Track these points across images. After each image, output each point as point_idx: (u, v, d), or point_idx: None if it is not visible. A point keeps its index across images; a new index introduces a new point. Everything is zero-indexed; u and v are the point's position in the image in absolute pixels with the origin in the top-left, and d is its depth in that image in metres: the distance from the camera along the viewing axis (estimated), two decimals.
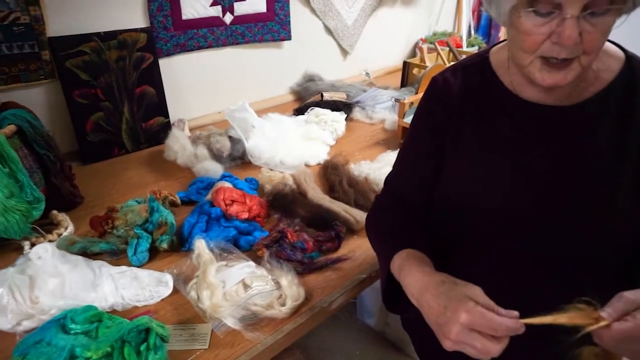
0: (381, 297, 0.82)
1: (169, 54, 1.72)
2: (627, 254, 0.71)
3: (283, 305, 0.92)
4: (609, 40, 0.73)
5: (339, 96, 2.00)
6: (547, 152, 0.71)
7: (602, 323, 0.54)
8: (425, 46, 2.47)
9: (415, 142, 0.88)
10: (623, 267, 0.72)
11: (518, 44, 0.65)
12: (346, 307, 2.28)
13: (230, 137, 1.55)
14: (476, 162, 0.77)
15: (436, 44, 2.34)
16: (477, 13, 3.10)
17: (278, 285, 0.96)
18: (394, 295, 0.78)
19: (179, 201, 1.27)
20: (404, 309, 0.82)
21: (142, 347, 0.76)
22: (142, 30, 1.57)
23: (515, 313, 0.57)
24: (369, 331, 2.16)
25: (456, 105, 0.79)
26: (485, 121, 0.77)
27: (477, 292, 0.59)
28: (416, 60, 2.35)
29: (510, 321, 0.55)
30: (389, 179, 0.94)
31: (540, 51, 0.62)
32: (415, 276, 0.69)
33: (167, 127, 1.71)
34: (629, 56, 0.71)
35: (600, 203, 0.68)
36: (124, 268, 1.03)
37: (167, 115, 1.73)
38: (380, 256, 0.85)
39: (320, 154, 1.58)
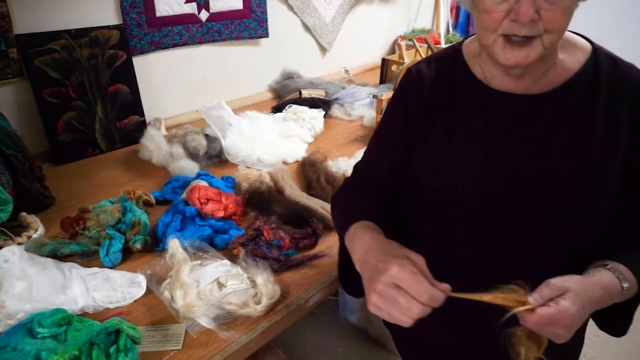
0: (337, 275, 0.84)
1: (143, 51, 1.69)
2: (597, 238, 0.73)
3: (258, 303, 0.91)
4: (579, 34, 0.75)
5: (318, 93, 1.99)
6: (516, 141, 0.72)
7: (527, 307, 0.58)
8: (403, 43, 2.48)
9: (387, 131, 0.88)
10: (593, 253, 0.73)
11: (481, 24, 0.67)
12: (329, 304, 2.28)
13: (206, 136, 1.53)
14: (447, 153, 0.78)
15: (415, 40, 2.35)
16: (456, 10, 3.13)
17: (253, 284, 0.95)
18: (350, 273, 0.79)
19: (153, 201, 1.25)
20: (359, 288, 0.83)
21: (112, 349, 0.74)
22: (114, 27, 1.54)
23: (447, 287, 0.58)
24: (351, 328, 2.17)
25: (428, 96, 0.80)
26: (457, 112, 0.78)
27: (419, 260, 0.60)
28: (395, 57, 2.36)
29: (436, 291, 0.56)
30: (358, 164, 0.94)
31: (501, 29, 0.64)
32: (365, 239, 0.70)
33: (142, 126, 1.67)
34: (595, 48, 0.73)
35: (566, 187, 0.69)
36: (95, 269, 1.00)
37: (142, 114, 1.70)
38: (339, 233, 0.84)
39: (298, 152, 1.57)
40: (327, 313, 2.26)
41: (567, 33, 0.73)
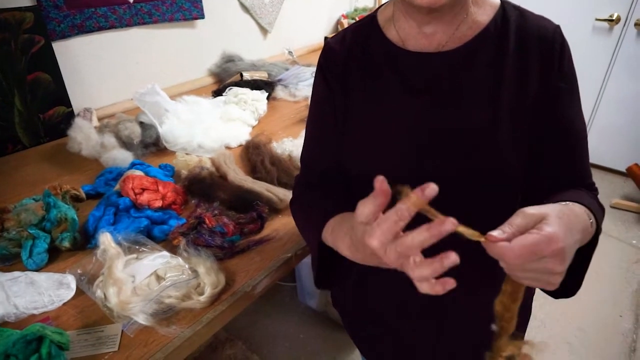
0: (313, 275, 0.78)
1: (64, 36, 1.55)
2: (519, 187, 0.73)
3: (201, 294, 0.85)
4: None
5: (260, 75, 1.92)
6: (433, 98, 0.72)
7: (482, 238, 0.48)
8: (346, 22, 2.45)
9: (315, 112, 0.86)
10: (517, 200, 0.73)
11: None
12: (287, 291, 2.25)
13: (141, 123, 1.43)
14: (365, 121, 0.77)
15: (357, 19, 2.32)
16: None
17: (195, 274, 0.89)
18: (325, 268, 0.76)
19: (83, 195, 1.15)
20: (335, 281, 0.80)
21: (33, 359, 0.66)
22: (27, 9, 1.39)
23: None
24: (311, 313, 2.15)
25: (344, 67, 0.78)
26: (373, 78, 0.77)
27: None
28: None
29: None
30: (302, 156, 0.91)
31: None
32: (344, 230, 0.63)
33: (70, 117, 1.55)
34: (503, 1, 0.74)
35: (483, 137, 0.69)
36: (17, 274, 0.91)
37: (69, 105, 1.57)
38: (308, 230, 0.80)
39: (241, 135, 1.50)
40: (286, 300, 2.22)
41: None
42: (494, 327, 0.58)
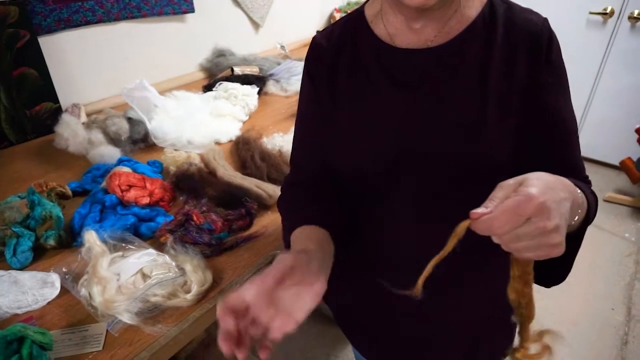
0: None
1: (50, 30, 1.52)
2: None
3: (188, 292, 0.84)
4: None
5: (251, 70, 1.90)
6: (422, 95, 0.70)
7: (466, 222, 0.47)
8: (338, 16, 2.43)
9: (303, 111, 0.84)
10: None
11: None
12: None
13: (129, 119, 1.41)
14: (353, 120, 0.75)
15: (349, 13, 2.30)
16: None
17: (182, 272, 0.88)
18: None
19: (69, 192, 1.13)
20: None
21: None
22: (11, 2, 1.37)
23: None
24: None
25: (331, 63, 0.77)
26: (360, 74, 0.75)
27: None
28: None
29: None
30: (291, 156, 0.89)
31: None
32: None
33: (57, 113, 1.52)
34: None
35: (472, 133, 0.68)
36: (0, 272, 0.89)
37: (56, 101, 1.55)
38: (284, 235, 0.79)
39: (231, 131, 1.49)
40: None
41: None
42: (513, 318, 0.56)
